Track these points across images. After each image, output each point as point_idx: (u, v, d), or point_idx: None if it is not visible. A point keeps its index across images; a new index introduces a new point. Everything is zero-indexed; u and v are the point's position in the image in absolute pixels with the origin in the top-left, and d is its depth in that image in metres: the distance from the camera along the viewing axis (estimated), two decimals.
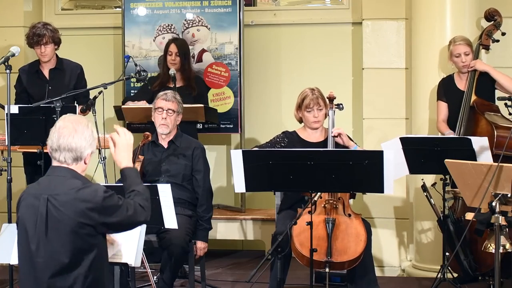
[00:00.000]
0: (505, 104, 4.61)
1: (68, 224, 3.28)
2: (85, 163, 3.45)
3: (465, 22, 6.06)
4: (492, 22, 5.86)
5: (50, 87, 5.99)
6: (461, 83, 5.74)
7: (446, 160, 4.42)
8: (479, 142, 5.02)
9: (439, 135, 5.73)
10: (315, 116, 5.23)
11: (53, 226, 3.30)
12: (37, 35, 5.90)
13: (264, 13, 7.18)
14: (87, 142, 3.43)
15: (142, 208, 3.43)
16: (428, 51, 6.10)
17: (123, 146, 3.53)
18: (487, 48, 5.85)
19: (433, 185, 5.52)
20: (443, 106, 5.79)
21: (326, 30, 7.02)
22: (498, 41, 5.85)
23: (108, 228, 3.38)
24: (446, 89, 5.79)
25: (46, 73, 6.09)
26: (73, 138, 3.39)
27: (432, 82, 6.04)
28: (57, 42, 6.01)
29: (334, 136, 5.15)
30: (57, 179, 3.39)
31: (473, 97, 5.61)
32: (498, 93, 5.66)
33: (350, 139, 5.27)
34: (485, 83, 5.68)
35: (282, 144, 5.28)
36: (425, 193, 5.39)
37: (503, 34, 5.87)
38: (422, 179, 5.45)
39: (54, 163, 3.43)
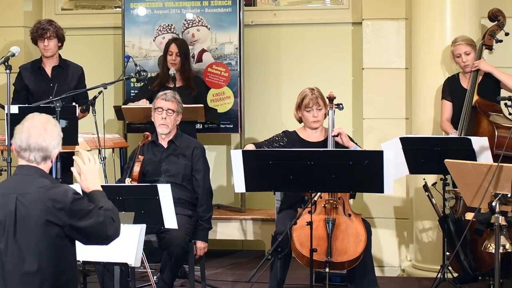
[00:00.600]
0: (505, 104, 4.60)
1: (36, 222, 3.26)
2: (51, 161, 3.44)
3: (465, 22, 6.06)
4: (496, 22, 5.83)
5: (51, 85, 5.99)
6: (466, 82, 5.71)
7: (446, 160, 4.42)
8: (479, 142, 5.02)
9: (439, 135, 5.73)
10: (314, 116, 5.23)
11: (22, 225, 3.28)
12: (42, 29, 5.96)
13: (264, 13, 7.17)
14: (56, 142, 3.41)
15: (112, 220, 3.38)
16: (428, 51, 6.09)
17: (88, 172, 3.49)
18: (490, 48, 5.82)
19: (434, 184, 5.52)
20: (448, 105, 5.78)
21: (326, 30, 7.02)
22: (501, 41, 5.83)
23: (77, 233, 3.32)
24: (452, 88, 5.78)
25: (48, 70, 6.10)
26: (43, 137, 3.37)
27: (432, 82, 6.03)
28: (60, 39, 6.04)
29: (334, 136, 5.15)
30: (25, 178, 3.37)
31: (476, 97, 5.60)
32: (504, 93, 5.65)
33: (351, 139, 5.27)
34: (489, 84, 5.66)
35: (281, 143, 5.27)
36: (426, 193, 5.39)
37: (507, 34, 5.85)
38: (424, 179, 5.44)
39: (22, 162, 3.41)
